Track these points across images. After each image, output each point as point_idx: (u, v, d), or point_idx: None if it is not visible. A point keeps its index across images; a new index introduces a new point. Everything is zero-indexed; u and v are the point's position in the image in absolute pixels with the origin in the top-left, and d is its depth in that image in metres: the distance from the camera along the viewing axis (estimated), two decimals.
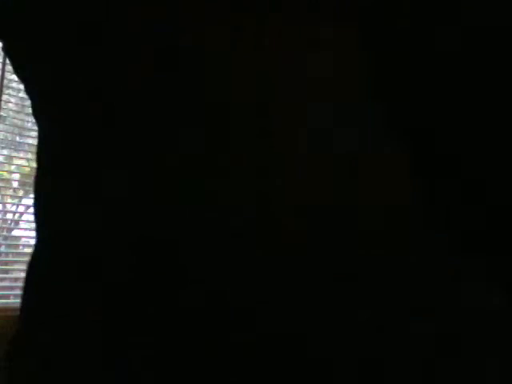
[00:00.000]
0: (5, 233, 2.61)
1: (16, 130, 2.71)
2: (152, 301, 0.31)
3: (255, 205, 0.30)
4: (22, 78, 0.40)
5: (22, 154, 2.65)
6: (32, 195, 0.41)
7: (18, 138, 2.75)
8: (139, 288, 0.31)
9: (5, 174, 2.75)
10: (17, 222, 2.76)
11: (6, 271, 2.59)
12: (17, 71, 0.41)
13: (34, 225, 0.40)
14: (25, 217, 2.78)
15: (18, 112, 2.64)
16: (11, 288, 2.49)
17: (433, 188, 0.31)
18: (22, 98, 2.63)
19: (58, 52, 0.36)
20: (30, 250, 2.55)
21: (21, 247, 2.69)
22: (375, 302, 0.30)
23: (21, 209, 2.81)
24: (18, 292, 2.43)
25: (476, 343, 0.30)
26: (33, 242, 2.45)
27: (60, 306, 0.34)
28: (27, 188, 2.75)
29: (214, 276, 0.30)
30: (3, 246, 2.63)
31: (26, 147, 2.64)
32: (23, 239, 2.72)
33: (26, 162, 2.72)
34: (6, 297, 2.48)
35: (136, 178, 0.32)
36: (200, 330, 0.30)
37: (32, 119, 2.55)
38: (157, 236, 0.31)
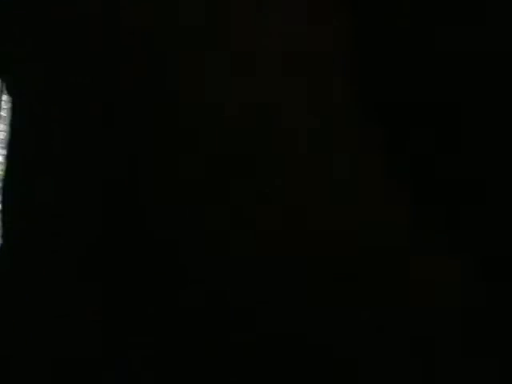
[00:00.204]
0: None
1: None
2: (152, 301, 0.31)
3: (255, 205, 0.30)
4: (5, 78, 0.40)
5: None
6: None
7: None
8: (139, 288, 0.31)
9: None
10: None
11: None
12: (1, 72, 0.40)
13: None
14: None
15: None
16: None
17: (432, 188, 0.31)
18: None
19: (50, 49, 0.35)
20: None
21: None
22: (375, 302, 0.30)
23: None
24: None
25: (476, 343, 0.30)
26: None
27: (59, 306, 0.34)
28: None
29: (214, 276, 0.30)
30: None
31: None
32: None
33: None
34: None
35: (135, 179, 0.32)
36: (200, 330, 0.30)
37: None
38: (157, 236, 0.31)
